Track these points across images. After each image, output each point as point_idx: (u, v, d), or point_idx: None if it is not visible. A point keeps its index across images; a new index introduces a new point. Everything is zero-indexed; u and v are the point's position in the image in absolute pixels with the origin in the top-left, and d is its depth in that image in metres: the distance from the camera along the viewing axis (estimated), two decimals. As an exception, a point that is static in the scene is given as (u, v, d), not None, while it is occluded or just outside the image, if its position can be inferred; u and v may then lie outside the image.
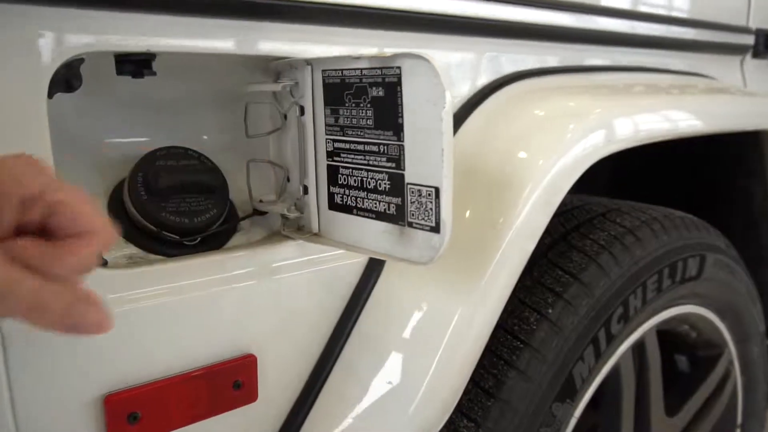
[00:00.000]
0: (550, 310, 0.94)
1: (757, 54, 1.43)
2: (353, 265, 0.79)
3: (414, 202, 0.60)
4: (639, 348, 1.11)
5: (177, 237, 0.70)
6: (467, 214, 0.80)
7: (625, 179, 1.64)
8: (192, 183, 0.72)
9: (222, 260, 0.71)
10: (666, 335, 1.22)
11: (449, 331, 0.75)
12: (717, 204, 1.52)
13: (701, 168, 1.54)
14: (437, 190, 0.57)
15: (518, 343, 0.91)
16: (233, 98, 0.80)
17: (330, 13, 0.71)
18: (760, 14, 1.40)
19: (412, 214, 0.60)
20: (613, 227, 1.07)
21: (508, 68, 0.92)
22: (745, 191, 1.45)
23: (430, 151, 0.57)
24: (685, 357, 1.34)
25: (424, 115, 0.57)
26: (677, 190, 1.59)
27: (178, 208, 0.70)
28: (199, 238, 0.72)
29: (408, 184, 0.60)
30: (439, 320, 0.76)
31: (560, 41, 0.99)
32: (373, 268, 0.79)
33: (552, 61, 1.01)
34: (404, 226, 0.62)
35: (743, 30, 1.37)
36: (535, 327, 0.92)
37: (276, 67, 0.72)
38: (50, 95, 0.56)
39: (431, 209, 0.58)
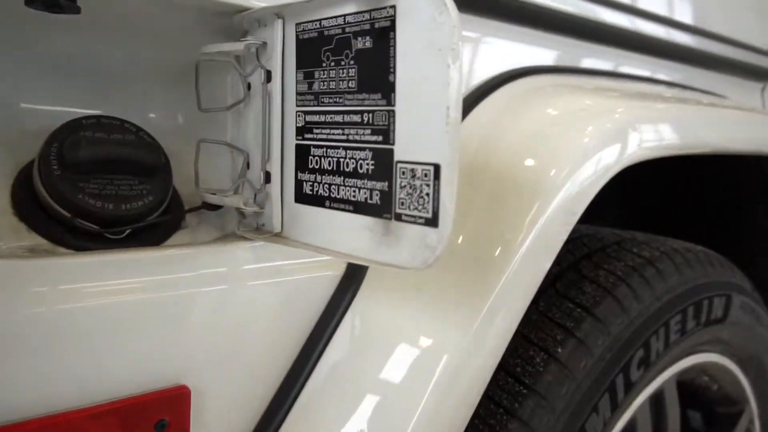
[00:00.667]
0: (559, 350, 0.78)
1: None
2: (324, 277, 0.64)
3: (405, 186, 0.45)
4: (657, 400, 0.95)
5: (96, 227, 0.54)
6: (467, 224, 0.64)
7: (614, 203, 1.50)
8: (124, 160, 0.56)
9: (154, 261, 0.55)
10: (683, 387, 1.06)
11: (438, 371, 0.59)
12: (721, 232, 1.38)
13: (702, 193, 1.41)
14: (437, 168, 0.42)
15: (521, 388, 0.75)
16: (186, 67, 0.65)
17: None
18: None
19: (402, 203, 0.45)
20: (630, 257, 0.92)
21: (522, 61, 0.79)
22: (751, 218, 1.32)
23: (430, 115, 0.42)
24: (701, 413, 1.17)
25: (424, 65, 0.42)
26: (674, 217, 1.46)
27: (101, 191, 0.55)
28: (127, 231, 0.56)
29: (398, 162, 0.45)
30: (428, 357, 0.60)
31: (575, 36, 0.86)
32: (350, 282, 0.64)
33: (563, 60, 0.88)
34: (390, 219, 0.46)
35: (761, 52, 1.26)
36: (541, 369, 0.76)
37: (240, 24, 0.58)
38: None
39: (428, 195, 0.43)
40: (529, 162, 0.65)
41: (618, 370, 0.82)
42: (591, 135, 0.67)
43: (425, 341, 0.60)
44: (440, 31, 0.41)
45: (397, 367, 0.61)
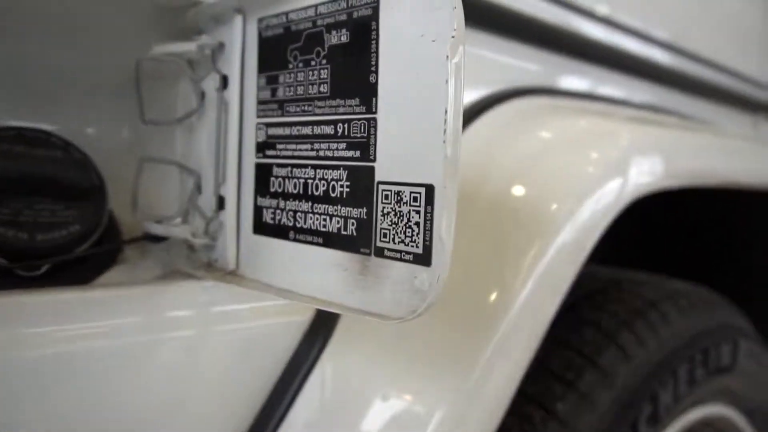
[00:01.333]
0: (559, 406, 0.68)
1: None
2: (289, 324, 0.53)
3: (388, 213, 0.36)
4: (663, 460, 0.85)
5: (5, 261, 0.44)
6: (458, 262, 0.55)
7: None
8: (46, 181, 0.46)
9: (82, 304, 0.44)
10: (687, 442, 0.97)
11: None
12: (725, 284, 1.31)
13: (705, 240, 1.34)
14: (430, 190, 0.33)
15: (518, 451, 0.65)
16: (131, 77, 0.56)
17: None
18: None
19: (384, 235, 0.36)
20: (631, 299, 0.84)
21: (515, 79, 0.71)
22: (746, 262, 1.25)
23: (422, 123, 0.33)
24: (703, 470, 1.08)
25: (415, 62, 0.34)
26: (659, 253, 1.38)
27: (15, 217, 0.44)
28: (45, 267, 0.46)
29: (380, 183, 0.36)
30: (412, 424, 0.50)
31: (570, 55, 0.79)
32: (319, 330, 0.53)
33: (557, 81, 0.81)
34: (369, 255, 0.37)
35: (757, 84, 1.21)
36: (540, 429, 0.67)
37: (194, 21, 0.49)
38: None
39: (417, 224, 0.34)
40: (529, 193, 0.56)
41: (626, 429, 0.72)
42: (596, 163, 0.59)
43: (409, 404, 0.50)
44: (437, 16, 0.32)
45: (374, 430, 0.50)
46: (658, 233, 1.30)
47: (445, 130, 0.31)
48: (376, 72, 0.36)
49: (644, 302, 0.83)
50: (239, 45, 0.46)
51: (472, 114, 0.65)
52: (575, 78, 0.83)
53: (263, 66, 0.44)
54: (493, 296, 0.51)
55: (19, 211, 0.45)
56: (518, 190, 0.58)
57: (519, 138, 0.63)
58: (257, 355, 0.52)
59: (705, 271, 1.28)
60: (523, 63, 0.74)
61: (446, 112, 0.31)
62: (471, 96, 0.68)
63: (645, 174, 0.61)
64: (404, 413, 0.50)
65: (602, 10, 0.83)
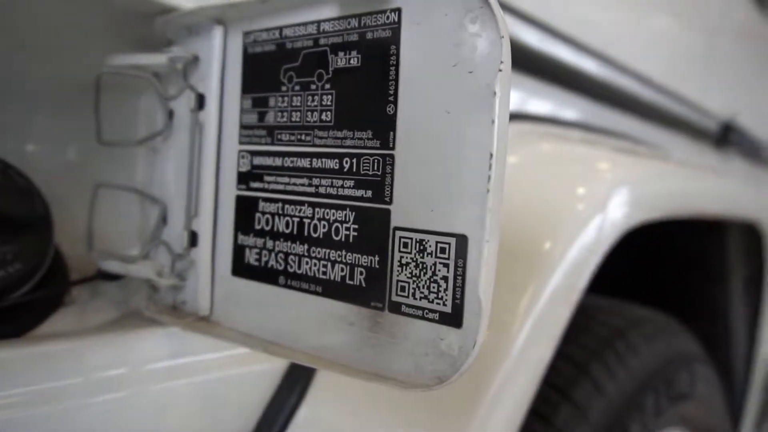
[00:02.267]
0: (537, 444, 0.66)
1: (717, 144, 1.31)
2: (260, 373, 0.48)
3: (407, 264, 0.31)
4: (628, 491, 0.84)
5: (-73, 310, 0.36)
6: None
7: None
8: (-20, 212, 0.39)
9: (23, 358, 0.37)
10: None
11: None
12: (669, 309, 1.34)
13: (649, 264, 1.36)
14: (462, 241, 0.29)
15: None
16: (85, 88, 0.49)
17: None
18: (720, 102, 1.30)
19: (402, 288, 0.31)
20: (598, 328, 0.83)
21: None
22: (706, 296, 1.28)
23: (454, 166, 0.29)
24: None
25: (447, 94, 0.29)
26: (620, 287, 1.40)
27: (-59, 255, 0.37)
28: (-23, 315, 0.38)
29: (396, 228, 0.32)
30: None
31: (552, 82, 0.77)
32: (295, 380, 0.48)
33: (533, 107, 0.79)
34: (383, 310, 0.32)
35: (704, 113, 1.25)
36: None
37: (163, 29, 0.43)
38: None
39: (444, 279, 0.29)
40: (519, 231, 0.53)
41: (601, 468, 0.70)
42: (584, 200, 0.57)
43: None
44: (474, 45, 0.28)
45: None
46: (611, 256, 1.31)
47: (489, 177, 0.27)
48: (395, 102, 0.32)
49: (612, 331, 0.82)
50: (219, 60, 0.40)
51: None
52: (545, 103, 0.82)
53: (248, 86, 0.39)
54: (508, 318, 0.47)
55: (-54, 248, 0.37)
56: (508, 227, 0.55)
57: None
58: (226, 409, 0.46)
59: (653, 294, 1.30)
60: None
61: (491, 156, 0.27)
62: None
63: (632, 207, 0.59)
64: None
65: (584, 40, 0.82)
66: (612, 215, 0.56)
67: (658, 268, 1.33)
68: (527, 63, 0.72)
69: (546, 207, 0.57)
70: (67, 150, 0.50)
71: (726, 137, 1.32)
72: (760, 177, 1.60)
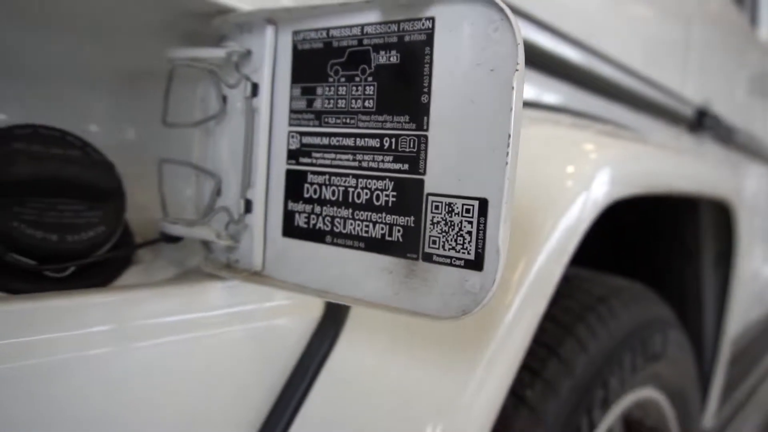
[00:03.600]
0: (529, 392, 0.74)
1: (692, 129, 1.41)
2: (300, 321, 0.56)
3: (438, 222, 0.39)
4: (607, 440, 0.94)
5: (35, 263, 0.44)
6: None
7: None
8: (69, 182, 0.46)
9: (109, 305, 0.45)
10: (624, 423, 1.07)
11: (439, 428, 0.52)
12: (645, 280, 1.44)
13: (628, 238, 1.46)
14: (483, 203, 0.37)
15: (494, 435, 0.71)
16: (141, 75, 0.56)
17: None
18: (695, 89, 1.39)
19: (433, 242, 0.39)
20: (581, 295, 0.92)
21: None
22: (679, 269, 1.38)
23: (477, 144, 0.37)
24: (630, 447, 1.19)
25: (471, 87, 0.37)
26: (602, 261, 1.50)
27: (41, 218, 0.44)
28: (71, 268, 0.46)
29: (429, 195, 0.40)
30: (421, 412, 0.53)
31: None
32: (329, 327, 0.56)
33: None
34: (416, 259, 0.40)
35: (681, 99, 1.34)
36: (512, 414, 0.72)
37: (218, 28, 0.50)
38: None
39: (469, 234, 0.38)
40: (518, 205, 0.61)
41: (583, 412, 0.79)
42: (573, 177, 0.65)
43: (418, 396, 0.53)
44: (495, 48, 0.36)
45: (383, 427, 0.54)
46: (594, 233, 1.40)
47: (507, 153, 0.35)
48: (429, 93, 0.39)
49: (593, 297, 0.91)
50: (270, 54, 0.48)
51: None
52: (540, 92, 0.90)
53: (298, 77, 0.46)
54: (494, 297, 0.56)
55: (43, 213, 0.44)
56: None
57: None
58: (272, 350, 0.54)
59: (631, 267, 1.40)
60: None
61: (509, 137, 0.35)
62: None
63: (614, 184, 0.67)
64: (411, 403, 0.54)
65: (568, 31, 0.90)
66: (596, 191, 0.64)
67: (638, 244, 1.43)
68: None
69: (540, 184, 0.65)
70: (126, 130, 0.57)
71: (701, 122, 1.41)
72: (732, 160, 1.70)
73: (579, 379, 0.80)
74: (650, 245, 1.42)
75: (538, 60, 0.90)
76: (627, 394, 0.97)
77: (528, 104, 0.92)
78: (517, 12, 0.81)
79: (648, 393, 1.06)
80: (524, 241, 0.59)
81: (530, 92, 0.94)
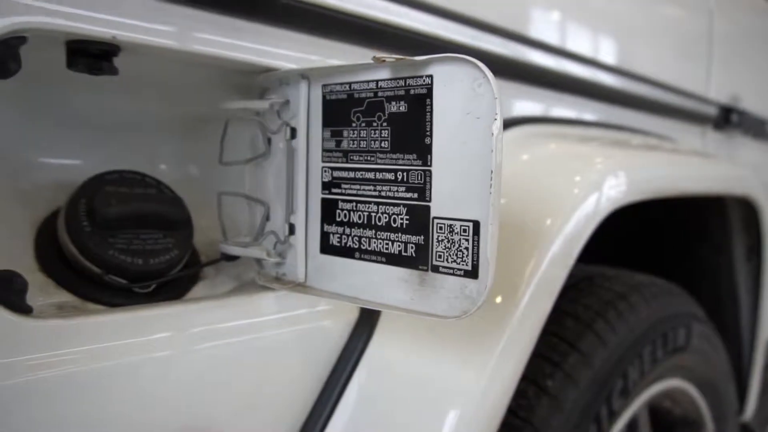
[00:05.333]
0: (549, 383, 0.82)
1: (717, 126, 1.44)
2: (338, 324, 0.66)
3: (442, 240, 0.48)
4: (632, 426, 1.01)
5: (125, 282, 0.55)
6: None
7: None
8: (149, 215, 0.57)
9: (181, 314, 0.56)
10: (651, 411, 1.13)
11: (454, 415, 0.62)
12: (680, 277, 1.48)
13: (663, 239, 1.51)
14: (476, 224, 0.46)
15: (517, 421, 0.79)
16: (200, 122, 0.67)
17: (337, 23, 0.61)
18: (721, 87, 1.43)
19: (439, 256, 0.49)
20: (603, 292, 0.98)
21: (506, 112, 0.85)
22: (712, 265, 1.42)
23: (469, 176, 0.46)
24: (664, 436, 1.24)
25: (462, 131, 0.46)
26: (639, 260, 1.55)
27: (129, 246, 0.55)
28: (153, 285, 0.57)
29: (435, 218, 0.49)
30: (443, 400, 0.62)
31: (548, 87, 0.93)
32: (363, 329, 0.66)
33: (538, 110, 0.95)
34: (426, 270, 0.50)
35: (703, 100, 1.38)
36: (534, 402, 0.80)
37: (263, 82, 0.61)
38: (-24, 78, 0.42)
39: (466, 249, 0.47)
40: (526, 210, 0.70)
41: (602, 401, 0.87)
42: (579, 185, 0.73)
43: (440, 384, 0.63)
44: (479, 101, 0.45)
45: (412, 406, 0.63)
46: (631, 235, 1.46)
47: (491, 184, 0.44)
48: (431, 136, 0.49)
49: (614, 294, 0.98)
50: (305, 103, 0.58)
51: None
52: (556, 107, 0.97)
53: (327, 122, 0.57)
54: (502, 298, 0.64)
55: (131, 241, 0.56)
56: (517, 208, 0.71)
57: (515, 163, 0.77)
58: (315, 351, 0.64)
59: (665, 266, 1.44)
60: (514, 98, 0.87)
61: (492, 171, 0.44)
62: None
63: (617, 192, 0.75)
64: (435, 392, 0.63)
65: (584, 51, 0.98)
66: (601, 198, 0.72)
67: (673, 244, 1.48)
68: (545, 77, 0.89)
69: (549, 192, 0.73)
70: (188, 167, 0.68)
71: (727, 119, 1.45)
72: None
73: (597, 370, 0.87)
74: (685, 244, 1.46)
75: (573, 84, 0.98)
76: (651, 385, 1.04)
77: (563, 121, 1.00)
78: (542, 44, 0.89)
79: (675, 383, 1.12)
80: (533, 244, 0.67)
81: (571, 112, 1.02)
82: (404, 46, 0.67)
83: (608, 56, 1.08)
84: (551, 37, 0.92)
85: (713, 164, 1.13)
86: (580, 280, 1.03)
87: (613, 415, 0.90)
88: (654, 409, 1.16)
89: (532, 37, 0.88)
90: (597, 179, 0.74)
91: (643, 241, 1.51)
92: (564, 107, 1.01)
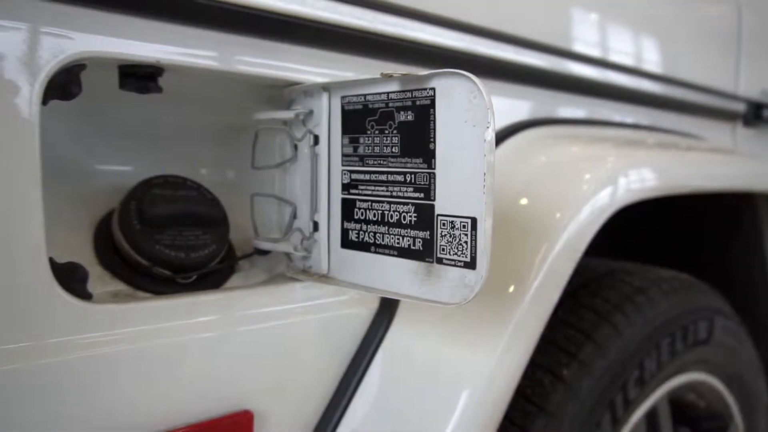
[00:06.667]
0: (564, 372, 0.87)
1: (747, 122, 1.45)
2: (361, 312, 0.72)
3: (445, 235, 0.54)
4: (652, 416, 1.04)
5: (170, 273, 0.63)
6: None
7: (615, 245, 1.61)
8: (191, 215, 0.65)
9: (219, 302, 0.63)
10: (674, 404, 1.15)
11: (466, 395, 0.67)
12: (714, 273, 1.49)
13: (695, 235, 1.52)
14: (474, 221, 0.52)
15: (533, 407, 0.84)
16: (235, 130, 0.75)
17: (354, 40, 0.67)
18: (750, 83, 1.43)
19: (443, 249, 0.54)
20: (622, 286, 1.02)
21: (521, 115, 0.90)
22: (744, 261, 1.43)
23: (467, 178, 0.52)
24: (689, 429, 1.26)
25: (460, 137, 0.52)
26: (672, 257, 1.56)
27: (173, 242, 0.63)
28: (194, 276, 0.65)
29: (439, 215, 0.55)
30: (456, 382, 0.68)
31: (567, 90, 0.97)
32: (384, 316, 0.72)
33: (558, 112, 0.99)
34: (432, 263, 0.55)
35: (732, 96, 1.39)
36: (550, 390, 0.85)
37: (288, 95, 0.68)
38: (45, 101, 0.50)
39: (466, 243, 0.52)
40: (538, 206, 0.75)
41: (617, 389, 0.90)
42: (588, 182, 0.77)
43: (453, 368, 0.68)
44: (474, 111, 0.51)
45: (428, 387, 0.69)
46: (666, 232, 1.48)
47: (484, 185, 0.49)
48: (434, 142, 0.54)
49: (633, 288, 1.01)
50: (326, 113, 0.64)
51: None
52: (577, 108, 1.01)
53: (346, 129, 0.63)
54: (512, 288, 0.69)
55: (175, 238, 0.63)
56: (528, 204, 0.76)
57: (527, 165, 0.82)
58: (339, 336, 0.71)
59: (700, 263, 1.46)
60: (532, 101, 0.92)
61: (484, 174, 0.49)
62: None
63: (625, 189, 0.79)
64: (448, 375, 0.69)
65: (596, 53, 1.02)
66: (608, 195, 0.76)
67: (706, 240, 1.49)
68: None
69: (561, 189, 0.77)
70: (226, 172, 0.75)
71: (758, 115, 1.45)
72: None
73: (612, 359, 0.91)
74: (718, 241, 1.47)
75: (593, 86, 1.02)
76: (672, 377, 1.06)
77: (588, 122, 1.04)
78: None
79: (698, 377, 1.14)
80: (542, 237, 0.72)
81: (584, 112, 1.06)
82: (415, 58, 0.73)
83: (633, 58, 1.11)
84: (586, 48, 0.97)
85: (730, 161, 1.15)
86: (603, 275, 1.07)
87: (629, 404, 0.93)
88: (678, 402, 1.18)
89: (569, 48, 0.92)
90: (604, 178, 0.78)
91: (680, 238, 1.52)
92: (585, 109, 1.04)
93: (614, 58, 1.05)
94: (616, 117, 1.10)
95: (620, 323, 0.94)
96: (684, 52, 1.25)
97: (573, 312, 0.95)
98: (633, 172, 0.81)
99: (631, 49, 1.11)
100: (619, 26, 1.10)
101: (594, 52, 1.01)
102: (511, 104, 0.90)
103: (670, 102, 1.20)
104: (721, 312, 1.15)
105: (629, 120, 1.13)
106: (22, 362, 0.49)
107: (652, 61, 1.15)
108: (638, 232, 1.55)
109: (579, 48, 0.98)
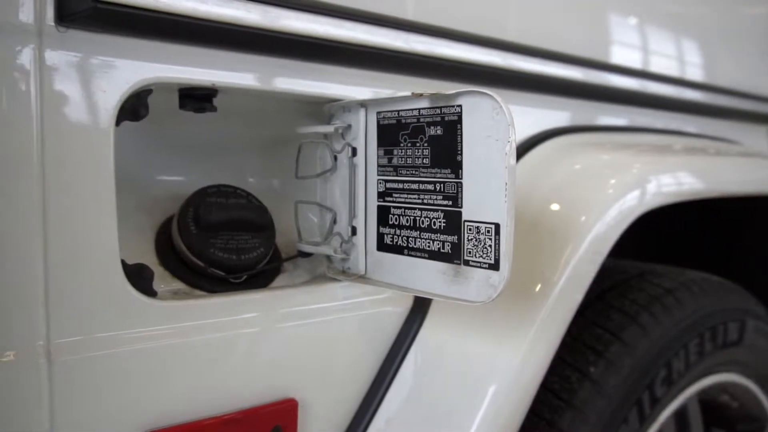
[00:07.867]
0: (591, 369, 0.90)
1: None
2: (396, 310, 0.78)
3: (471, 239, 0.59)
4: (681, 416, 1.06)
5: (223, 273, 0.69)
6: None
7: (649, 245, 1.62)
8: (241, 220, 0.71)
9: (266, 299, 0.70)
10: (706, 405, 1.17)
11: (494, 389, 0.72)
12: (750, 276, 1.49)
13: (730, 237, 1.52)
14: (497, 226, 0.57)
15: (560, 402, 0.88)
16: (279, 142, 0.81)
17: (392, 59, 0.73)
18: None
19: (469, 252, 0.59)
20: (651, 288, 1.05)
21: (550, 123, 0.94)
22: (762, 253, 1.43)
23: (490, 187, 0.57)
24: (724, 431, 1.27)
25: (484, 150, 0.57)
26: (705, 258, 1.57)
27: (226, 245, 0.70)
28: (244, 276, 0.71)
29: (465, 221, 0.60)
30: (484, 376, 0.73)
31: (599, 99, 1.01)
32: (417, 314, 0.78)
33: (590, 120, 1.03)
34: (460, 264, 0.61)
35: (765, 99, 1.40)
36: (576, 386, 0.89)
37: (329, 110, 0.74)
38: (118, 122, 0.57)
39: (490, 246, 0.57)
40: (563, 210, 0.79)
41: (644, 387, 0.94)
42: (614, 187, 0.81)
43: (481, 363, 0.73)
44: (497, 126, 0.56)
45: (459, 380, 0.74)
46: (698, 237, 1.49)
47: (506, 194, 0.54)
48: (461, 154, 0.60)
49: (662, 290, 1.04)
50: (363, 127, 0.70)
51: (520, 151, 0.88)
52: (605, 116, 1.05)
53: (381, 142, 0.69)
54: (538, 288, 0.74)
55: (227, 241, 0.70)
56: (555, 208, 0.81)
57: (555, 170, 0.86)
58: (376, 332, 0.76)
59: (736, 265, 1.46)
60: (555, 111, 0.96)
61: (506, 185, 0.54)
62: (520, 137, 0.91)
63: (649, 195, 0.82)
64: (477, 370, 0.74)
65: (633, 64, 1.05)
66: (631, 199, 0.80)
67: (742, 243, 1.50)
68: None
69: (587, 194, 0.82)
70: (272, 181, 0.82)
71: (796, 118, 1.45)
72: None
73: (639, 358, 0.94)
74: (751, 244, 1.48)
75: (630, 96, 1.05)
76: (702, 378, 1.08)
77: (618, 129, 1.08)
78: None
79: (730, 378, 1.15)
80: (567, 240, 0.76)
81: (617, 120, 1.09)
82: (444, 73, 0.78)
83: (664, 65, 1.14)
84: (617, 58, 1.01)
85: (757, 165, 1.16)
86: (632, 277, 1.09)
87: (657, 402, 0.96)
88: (711, 403, 1.20)
89: (606, 61, 0.96)
90: (630, 183, 0.82)
91: (717, 241, 1.53)
92: (613, 116, 1.08)
93: (650, 67, 1.08)
94: (646, 123, 1.13)
95: (648, 323, 0.97)
96: (716, 56, 1.27)
97: (601, 313, 0.98)
98: (656, 178, 0.84)
99: (663, 55, 1.14)
100: (650, 32, 1.13)
101: (626, 62, 1.04)
102: (541, 114, 0.94)
103: (704, 107, 1.22)
104: (753, 314, 1.17)
105: (659, 125, 1.15)
106: (100, 350, 0.57)
107: (683, 67, 1.17)
108: (677, 237, 1.56)
109: (612, 59, 1.01)
